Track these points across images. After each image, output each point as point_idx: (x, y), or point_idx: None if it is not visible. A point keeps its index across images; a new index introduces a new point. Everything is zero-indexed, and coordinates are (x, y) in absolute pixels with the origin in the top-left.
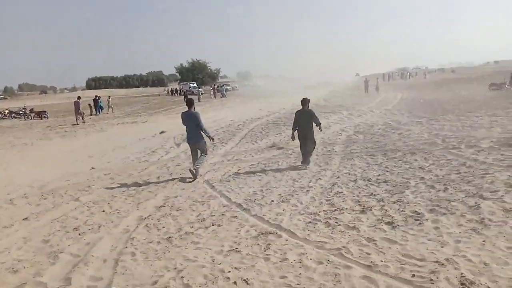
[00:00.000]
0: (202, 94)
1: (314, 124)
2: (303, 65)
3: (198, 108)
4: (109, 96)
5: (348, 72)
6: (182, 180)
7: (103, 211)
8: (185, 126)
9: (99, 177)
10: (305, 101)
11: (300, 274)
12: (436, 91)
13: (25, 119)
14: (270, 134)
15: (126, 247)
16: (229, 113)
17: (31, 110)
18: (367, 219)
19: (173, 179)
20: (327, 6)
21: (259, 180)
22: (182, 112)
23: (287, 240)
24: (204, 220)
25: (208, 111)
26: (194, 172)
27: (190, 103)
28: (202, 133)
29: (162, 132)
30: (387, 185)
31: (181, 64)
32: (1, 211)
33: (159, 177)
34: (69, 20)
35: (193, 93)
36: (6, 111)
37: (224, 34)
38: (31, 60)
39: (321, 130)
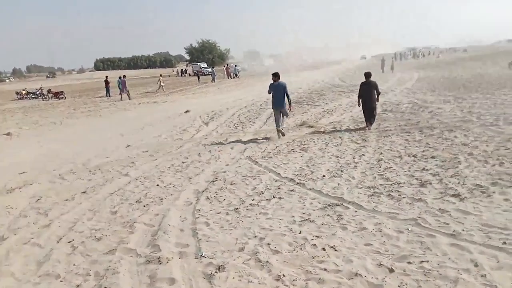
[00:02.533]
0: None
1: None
2: (306, 45)
3: (214, 89)
4: (160, 75)
5: (353, 53)
6: (223, 156)
7: (158, 185)
8: (271, 94)
9: (138, 154)
10: (369, 74)
11: (384, 242)
12: (452, 69)
13: (43, 99)
14: (296, 113)
15: (197, 217)
16: (247, 93)
17: (49, 91)
18: (429, 192)
19: (213, 156)
20: None
21: (301, 156)
22: (271, 84)
23: (356, 211)
24: (262, 193)
25: (224, 91)
26: (282, 131)
27: (277, 76)
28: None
29: (187, 111)
30: (435, 160)
31: (191, 45)
32: (56, 186)
33: (199, 154)
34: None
35: (204, 74)
36: (23, 92)
37: (229, 14)
38: (37, 42)
39: (378, 101)
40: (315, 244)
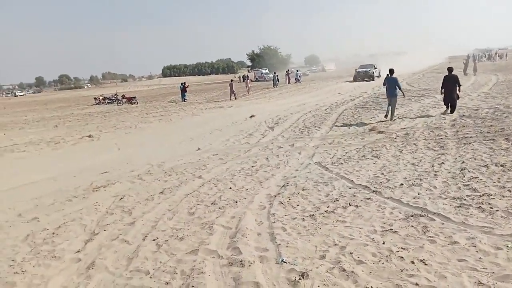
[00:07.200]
0: (278, 80)
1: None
2: (365, 48)
3: (276, 94)
4: (247, 77)
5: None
6: (292, 161)
7: (230, 188)
8: (385, 86)
9: (209, 157)
10: (451, 69)
11: (480, 258)
12: None
13: (117, 104)
14: (363, 118)
15: (273, 222)
16: (310, 98)
17: (123, 96)
18: None
19: (282, 161)
20: None
21: (374, 163)
22: (386, 77)
23: (443, 223)
24: (337, 200)
25: (287, 96)
26: (389, 119)
27: (392, 71)
28: (397, 91)
29: (252, 116)
30: None
31: (253, 51)
32: (136, 186)
33: (267, 158)
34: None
35: (265, 79)
36: (101, 97)
37: (288, 20)
38: (112, 50)
39: (459, 92)
40: (402, 257)
